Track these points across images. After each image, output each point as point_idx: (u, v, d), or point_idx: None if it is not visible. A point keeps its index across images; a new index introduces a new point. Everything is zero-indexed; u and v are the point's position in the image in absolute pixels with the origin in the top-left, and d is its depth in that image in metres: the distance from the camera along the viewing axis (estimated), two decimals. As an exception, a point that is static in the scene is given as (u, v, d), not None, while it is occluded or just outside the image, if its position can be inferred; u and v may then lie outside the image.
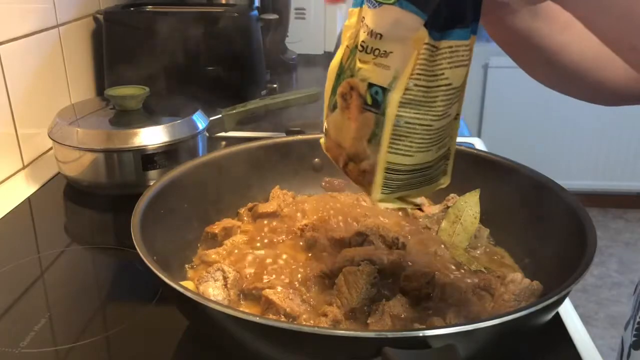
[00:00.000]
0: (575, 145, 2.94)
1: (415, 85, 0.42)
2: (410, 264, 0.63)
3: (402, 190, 0.47)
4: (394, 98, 0.43)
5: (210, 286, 0.58)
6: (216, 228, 0.68)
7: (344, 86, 0.47)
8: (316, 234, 0.67)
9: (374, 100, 0.44)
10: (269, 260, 0.64)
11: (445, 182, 0.50)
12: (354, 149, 0.47)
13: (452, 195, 0.73)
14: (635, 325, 0.67)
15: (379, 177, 0.46)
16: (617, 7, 0.37)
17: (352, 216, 0.73)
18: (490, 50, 2.80)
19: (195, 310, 0.49)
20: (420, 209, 0.49)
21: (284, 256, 0.65)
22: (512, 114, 2.87)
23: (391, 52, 0.43)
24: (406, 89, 0.43)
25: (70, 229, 0.85)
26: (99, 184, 0.89)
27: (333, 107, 0.48)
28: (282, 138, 0.81)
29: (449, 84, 0.43)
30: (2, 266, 0.71)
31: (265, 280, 0.60)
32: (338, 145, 0.49)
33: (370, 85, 0.44)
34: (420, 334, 0.41)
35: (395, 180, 0.46)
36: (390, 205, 0.48)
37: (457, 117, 0.47)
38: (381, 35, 0.43)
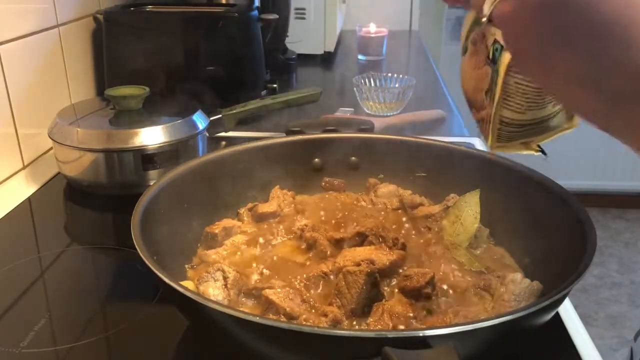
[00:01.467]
0: (575, 145, 2.94)
1: None
2: (410, 264, 0.63)
3: (519, 139, 0.49)
4: (506, 57, 0.44)
5: (210, 286, 0.58)
6: (216, 228, 0.68)
7: (478, 33, 0.48)
8: (316, 234, 0.67)
9: (494, 55, 0.45)
10: (269, 261, 0.64)
11: (572, 125, 0.49)
12: (474, 97, 0.49)
13: (452, 195, 0.74)
14: None
15: (493, 129, 0.48)
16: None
17: (352, 216, 0.73)
18: (490, 50, 2.78)
19: (195, 310, 0.49)
20: (544, 153, 0.50)
21: (284, 256, 0.65)
22: (512, 114, 2.87)
23: None
24: None
25: (70, 229, 0.85)
26: (99, 184, 0.89)
27: (464, 51, 0.50)
28: (282, 138, 0.81)
29: None
30: (2, 266, 0.71)
31: (265, 280, 0.60)
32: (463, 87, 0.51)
33: (495, 41, 0.45)
34: (420, 334, 0.41)
35: (509, 132, 0.48)
36: (508, 151, 0.50)
37: None
38: None
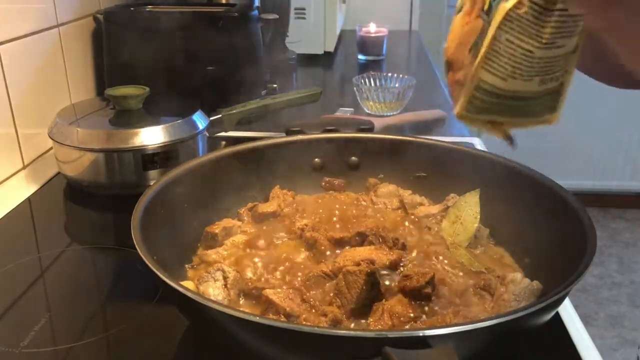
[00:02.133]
0: (575, 145, 2.94)
1: (530, 0, 0.39)
2: (410, 264, 0.63)
3: (489, 114, 0.44)
4: (503, 7, 0.39)
5: (210, 286, 0.58)
6: (216, 228, 0.68)
7: None
8: (316, 234, 0.67)
9: (490, 6, 0.41)
10: (269, 260, 0.64)
11: (552, 119, 0.45)
12: (455, 55, 0.45)
13: (452, 195, 0.74)
14: None
15: (467, 92, 0.43)
16: None
17: (352, 216, 0.73)
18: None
19: (195, 310, 0.49)
20: (511, 142, 0.45)
21: (284, 256, 0.65)
22: (511, 114, 2.86)
23: None
24: (519, 2, 0.39)
25: (70, 229, 0.85)
26: (99, 184, 0.89)
27: (458, 11, 0.46)
28: (282, 138, 0.81)
29: (563, 10, 0.39)
30: (2, 266, 0.71)
31: (265, 280, 0.60)
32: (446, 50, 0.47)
33: None
34: (420, 334, 0.41)
35: (482, 101, 0.43)
36: (474, 126, 0.45)
37: (575, 50, 0.42)
38: None
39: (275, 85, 1.28)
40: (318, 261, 0.64)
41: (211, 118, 0.98)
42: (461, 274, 0.63)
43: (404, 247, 0.65)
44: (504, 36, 0.40)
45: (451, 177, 0.75)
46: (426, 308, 0.57)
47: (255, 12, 1.22)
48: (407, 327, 0.53)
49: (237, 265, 0.63)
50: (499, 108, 0.43)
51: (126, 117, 0.92)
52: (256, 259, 0.65)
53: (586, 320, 2.34)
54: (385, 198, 0.77)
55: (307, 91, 1.11)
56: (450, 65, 0.46)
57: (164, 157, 0.88)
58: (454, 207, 0.71)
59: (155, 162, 0.87)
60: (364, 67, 1.66)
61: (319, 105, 1.14)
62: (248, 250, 0.67)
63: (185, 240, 0.67)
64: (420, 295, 0.57)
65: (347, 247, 0.65)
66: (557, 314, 0.62)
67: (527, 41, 0.40)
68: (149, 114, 0.93)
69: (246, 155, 0.76)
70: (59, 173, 0.95)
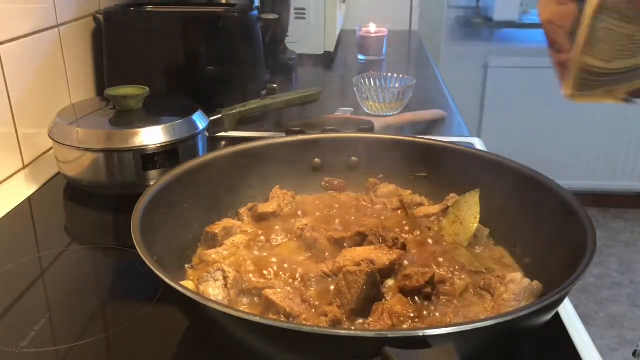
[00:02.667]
0: (575, 145, 2.94)
1: None
2: (410, 264, 0.63)
3: (602, 87, 0.44)
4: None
5: (210, 286, 0.58)
6: (216, 228, 0.68)
7: None
8: (316, 234, 0.67)
9: None
10: (269, 260, 0.64)
11: None
12: (551, 33, 0.44)
13: (452, 195, 0.74)
14: None
15: (572, 75, 0.43)
16: None
17: (352, 216, 0.73)
18: (490, 50, 2.80)
19: (195, 310, 0.49)
20: (630, 101, 0.45)
21: (284, 256, 0.65)
22: (512, 114, 2.87)
23: None
24: None
25: (70, 229, 0.85)
26: (99, 184, 0.89)
27: None
28: (282, 138, 0.81)
29: None
30: (2, 266, 0.71)
31: (265, 280, 0.60)
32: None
33: None
34: (420, 334, 0.41)
35: (590, 80, 0.43)
36: (587, 101, 0.45)
37: None
38: None
39: (275, 85, 1.28)
40: (318, 261, 0.64)
41: (211, 118, 0.99)
42: (461, 274, 0.62)
43: (404, 247, 0.65)
44: (601, 24, 0.39)
45: (451, 177, 0.75)
46: (427, 308, 0.57)
47: (255, 12, 1.22)
48: (407, 327, 0.53)
49: (237, 265, 0.63)
50: (609, 81, 0.43)
51: (126, 117, 0.92)
52: (256, 259, 0.65)
53: (586, 320, 2.34)
54: (385, 198, 0.77)
55: (307, 91, 1.11)
56: (552, 45, 0.45)
57: (164, 157, 0.88)
58: (454, 207, 0.71)
59: (155, 162, 0.87)
60: (364, 67, 1.66)
61: (319, 105, 1.14)
62: (248, 250, 0.67)
63: (185, 240, 0.67)
64: (420, 295, 0.57)
65: (347, 247, 0.65)
66: (557, 314, 0.62)
67: (627, 26, 0.39)
68: (149, 114, 0.93)
69: (246, 155, 0.76)
70: (59, 173, 0.95)
